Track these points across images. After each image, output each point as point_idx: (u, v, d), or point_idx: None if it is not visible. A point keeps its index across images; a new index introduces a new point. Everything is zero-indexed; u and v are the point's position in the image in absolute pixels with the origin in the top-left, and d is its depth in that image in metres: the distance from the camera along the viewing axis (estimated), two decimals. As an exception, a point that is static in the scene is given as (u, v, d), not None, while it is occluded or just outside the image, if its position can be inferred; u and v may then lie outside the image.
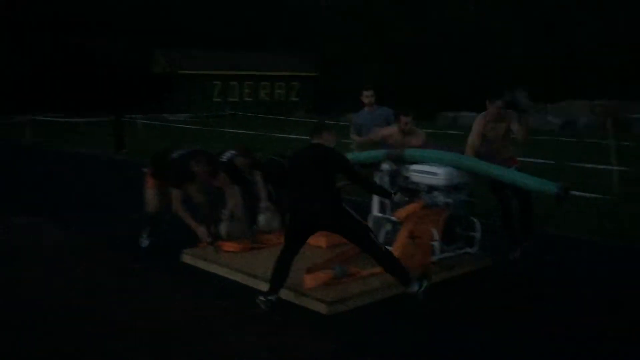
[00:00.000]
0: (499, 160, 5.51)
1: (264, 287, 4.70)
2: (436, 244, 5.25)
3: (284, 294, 4.55)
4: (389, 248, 5.23)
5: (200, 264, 5.47)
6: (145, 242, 6.06)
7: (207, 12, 38.12)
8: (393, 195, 4.97)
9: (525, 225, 5.77)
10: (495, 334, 4.07)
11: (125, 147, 15.61)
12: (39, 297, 4.78)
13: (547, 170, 9.26)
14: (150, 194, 6.08)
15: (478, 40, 35.64)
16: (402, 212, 5.29)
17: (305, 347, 3.85)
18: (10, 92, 29.00)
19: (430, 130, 11.15)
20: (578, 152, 14.17)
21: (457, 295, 4.84)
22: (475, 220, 5.54)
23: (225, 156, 6.31)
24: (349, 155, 6.58)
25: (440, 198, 5.30)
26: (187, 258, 5.63)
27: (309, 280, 4.61)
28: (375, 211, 5.73)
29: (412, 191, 5.39)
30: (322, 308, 4.36)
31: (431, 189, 5.33)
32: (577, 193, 8.61)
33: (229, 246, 5.60)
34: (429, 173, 5.27)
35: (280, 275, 4.47)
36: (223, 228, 5.88)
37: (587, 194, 8.59)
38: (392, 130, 6.39)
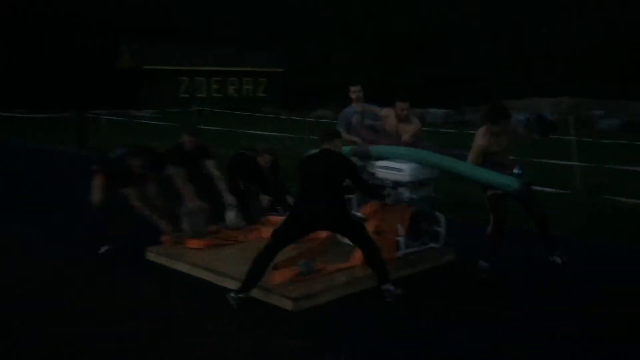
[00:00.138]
0: (504, 169, 5.21)
1: (230, 284, 4.67)
2: (401, 239, 5.28)
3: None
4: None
5: (165, 262, 5.40)
6: (103, 248, 5.68)
7: (174, 7, 37.64)
8: (386, 197, 5.08)
9: (546, 241, 5.32)
10: (460, 328, 4.11)
11: (89, 143, 15.34)
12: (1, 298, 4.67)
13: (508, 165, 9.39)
14: (96, 189, 5.71)
15: (445, 37, 36.01)
16: (367, 209, 5.32)
17: (272, 344, 3.84)
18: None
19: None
20: (540, 148, 14.42)
21: (423, 290, 4.88)
22: (440, 215, 5.60)
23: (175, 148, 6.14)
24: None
25: (406, 194, 5.34)
26: (151, 256, 5.55)
27: (276, 277, 4.59)
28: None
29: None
30: (288, 304, 4.35)
31: (396, 185, 5.35)
32: (540, 188, 8.76)
33: (194, 243, 5.54)
34: (394, 169, 5.29)
35: (258, 272, 4.43)
36: (184, 223, 5.80)
37: (550, 189, 8.76)
38: (389, 112, 6.19)
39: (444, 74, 34.27)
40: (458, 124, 23.48)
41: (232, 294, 4.35)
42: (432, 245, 5.57)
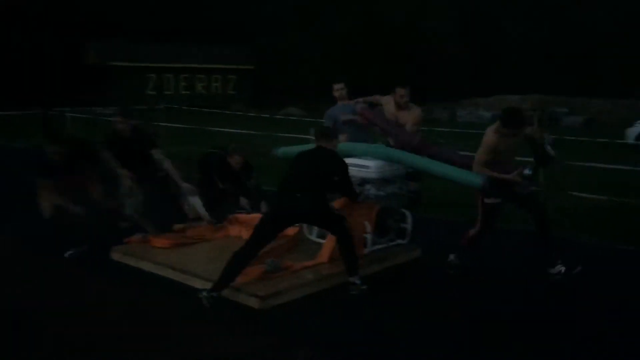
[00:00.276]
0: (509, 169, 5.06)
1: (197, 283, 4.64)
2: (368, 236, 5.32)
3: (216, 289, 4.50)
4: (322, 241, 5.31)
5: (130, 261, 5.33)
6: (68, 252, 5.52)
7: (142, 3, 37.07)
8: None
9: (547, 244, 5.13)
10: (426, 323, 4.16)
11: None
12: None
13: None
14: (41, 198, 5.50)
15: (413, 35, 36.26)
16: (334, 205, 5.34)
17: (240, 342, 3.83)
18: None
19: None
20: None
21: (389, 286, 4.93)
22: (406, 212, 5.66)
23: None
24: (284, 149, 6.60)
25: (372, 191, 5.37)
26: (116, 255, 5.48)
27: (242, 276, 4.57)
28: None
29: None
30: (254, 303, 4.35)
31: (363, 182, 5.38)
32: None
33: (160, 242, 5.49)
34: (361, 166, 5.32)
35: (235, 270, 4.41)
36: (128, 210, 5.72)
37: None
38: (388, 99, 6.07)
39: (412, 71, 34.52)
40: (426, 122, 23.64)
41: (205, 293, 4.32)
42: (399, 241, 5.63)
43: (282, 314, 4.29)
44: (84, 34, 33.15)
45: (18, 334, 3.97)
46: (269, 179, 8.23)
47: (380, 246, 5.46)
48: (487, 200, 5.04)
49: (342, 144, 5.76)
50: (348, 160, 5.46)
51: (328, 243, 5.13)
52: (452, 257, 5.27)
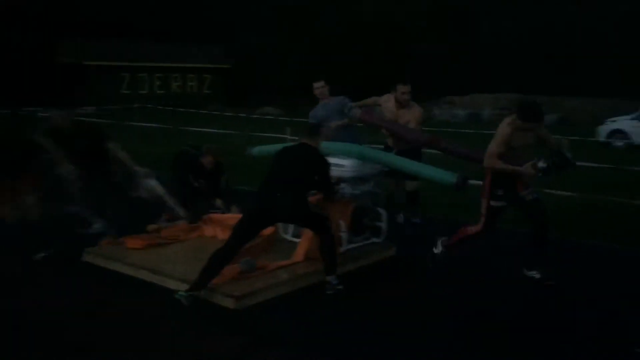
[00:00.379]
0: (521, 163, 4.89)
1: (172, 284, 4.60)
2: (344, 235, 5.33)
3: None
4: (298, 240, 5.30)
5: (103, 263, 5.26)
6: (39, 255, 5.37)
7: (117, 1, 36.64)
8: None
9: (537, 250, 5.02)
10: (401, 321, 4.18)
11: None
12: None
13: (449, 160, 9.60)
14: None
15: (388, 33, 36.42)
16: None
17: (216, 343, 3.81)
18: None
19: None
20: (480, 142, 14.81)
21: (364, 285, 4.94)
22: (381, 210, 5.68)
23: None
24: (259, 149, 6.59)
25: (347, 189, 5.38)
26: (88, 257, 5.40)
27: (217, 276, 4.54)
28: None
29: None
30: (229, 303, 4.32)
31: (338, 180, 5.38)
32: (478, 182, 8.99)
33: (133, 243, 5.43)
34: (336, 165, 5.32)
35: (214, 270, 4.38)
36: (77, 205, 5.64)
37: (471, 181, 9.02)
38: (388, 97, 5.94)
39: (387, 70, 34.67)
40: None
41: (183, 293, 4.28)
42: (374, 240, 5.65)
43: (257, 314, 4.28)
44: (57, 33, 32.67)
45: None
46: (245, 178, 8.21)
47: (355, 245, 5.47)
48: (492, 203, 4.83)
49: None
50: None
51: (303, 242, 5.13)
52: (437, 250, 5.16)
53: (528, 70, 34.35)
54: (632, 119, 16.95)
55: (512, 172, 4.67)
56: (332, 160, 5.35)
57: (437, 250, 5.17)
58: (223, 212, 6.16)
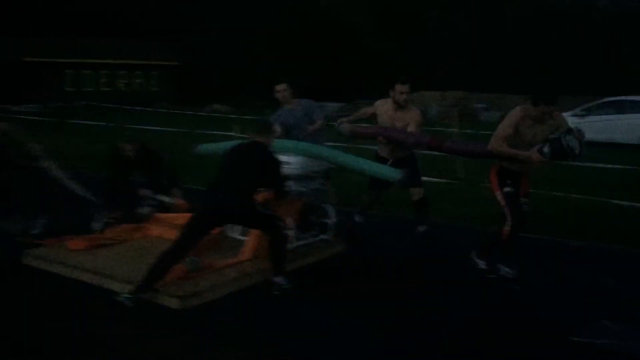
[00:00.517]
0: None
1: (115, 286, 4.49)
2: (291, 232, 5.33)
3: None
4: (245, 238, 5.27)
5: (43, 265, 5.09)
6: None
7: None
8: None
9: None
10: (349, 318, 4.20)
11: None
12: None
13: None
14: None
15: (338, 31, 36.61)
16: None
17: (160, 344, 3.74)
18: None
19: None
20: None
21: (312, 281, 4.95)
22: (329, 207, 5.71)
23: None
24: (205, 146, 6.51)
25: (295, 187, 5.38)
26: (28, 259, 5.21)
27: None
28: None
29: None
30: (174, 303, 4.25)
31: (285, 178, 5.37)
32: (426, 179, 9.15)
33: (76, 244, 5.28)
34: (283, 162, 5.30)
35: (162, 270, 4.30)
36: None
37: (436, 180, 9.20)
38: (382, 102, 5.69)
39: (338, 68, 34.87)
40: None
41: (127, 295, 4.19)
42: (322, 237, 5.67)
43: (203, 314, 4.23)
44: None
45: None
46: (191, 176, 8.11)
47: (303, 242, 5.48)
48: (506, 190, 4.67)
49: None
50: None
51: (251, 240, 5.10)
52: (501, 269, 4.84)
53: (475, 68, 35.16)
54: (572, 115, 17.56)
55: (516, 157, 4.48)
56: (279, 157, 5.35)
57: (502, 268, 4.83)
58: (154, 202, 6.00)
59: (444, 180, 9.34)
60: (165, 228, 5.53)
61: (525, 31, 37.81)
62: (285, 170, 5.29)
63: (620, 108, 16.14)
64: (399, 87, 5.51)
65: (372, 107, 5.88)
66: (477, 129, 15.84)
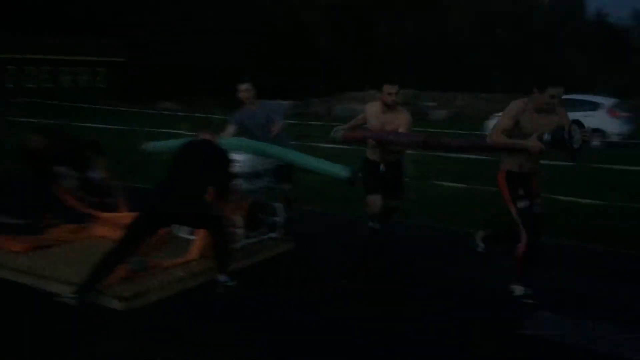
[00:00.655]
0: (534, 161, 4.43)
1: (58, 288, 4.36)
2: (240, 230, 5.29)
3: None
4: (192, 237, 5.20)
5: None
6: None
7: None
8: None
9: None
10: (297, 315, 4.20)
11: None
12: None
13: (343, 155, 9.80)
14: None
15: (290, 29, 36.53)
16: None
17: (103, 347, 3.65)
18: None
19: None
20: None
21: (261, 280, 4.93)
22: (278, 205, 5.69)
23: None
24: (154, 144, 6.40)
25: (243, 185, 5.34)
26: (-37, 263, 5.00)
27: (104, 276, 4.36)
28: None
29: None
30: (117, 305, 4.16)
31: (234, 176, 5.33)
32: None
33: (15, 246, 5.08)
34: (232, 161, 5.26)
35: (106, 270, 4.19)
36: None
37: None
38: (371, 105, 5.46)
39: (289, 66, 34.80)
40: (301, 115, 23.94)
41: (70, 295, 4.08)
42: (271, 235, 5.65)
43: (148, 315, 4.14)
44: None
45: None
46: (140, 175, 7.95)
47: (252, 240, 5.45)
48: (520, 205, 4.38)
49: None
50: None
51: (199, 239, 5.03)
52: (517, 290, 4.51)
53: (423, 67, 35.71)
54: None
55: (516, 147, 4.26)
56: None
57: (518, 292, 4.52)
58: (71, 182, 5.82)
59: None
60: (110, 228, 5.39)
61: (471, 32, 38.66)
62: (234, 168, 5.25)
63: (571, 106, 16.68)
64: (387, 88, 5.24)
65: (365, 109, 5.59)
66: (426, 127, 16.10)
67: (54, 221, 5.68)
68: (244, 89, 5.85)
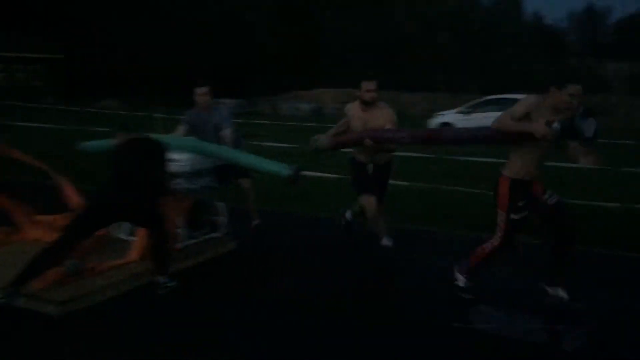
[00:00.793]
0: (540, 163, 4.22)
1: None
2: (181, 231, 5.21)
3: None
4: (132, 238, 5.09)
5: None
6: None
7: None
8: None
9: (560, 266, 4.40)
10: (240, 316, 4.17)
11: None
12: None
13: (288, 153, 9.85)
14: None
15: (235, 27, 36.20)
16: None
17: (38, 354, 3.53)
18: None
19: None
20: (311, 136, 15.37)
21: (203, 280, 4.87)
22: (220, 204, 5.64)
23: None
24: (91, 144, 6.23)
25: (184, 184, 5.26)
26: None
27: (37, 280, 4.20)
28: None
29: None
30: (52, 309, 4.02)
31: (174, 176, 5.24)
32: (316, 174, 9.30)
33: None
34: (171, 160, 5.17)
35: (40, 268, 4.06)
36: None
37: (327, 175, 9.34)
38: (349, 107, 5.27)
39: (235, 64, 34.50)
40: (247, 114, 23.84)
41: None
42: (213, 235, 5.59)
43: (86, 319, 4.03)
44: None
45: None
46: (78, 175, 7.73)
47: (193, 240, 5.38)
48: (513, 216, 4.19)
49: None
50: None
51: (138, 240, 4.93)
52: (461, 283, 4.48)
53: (369, 66, 36.02)
54: (458, 112, 18.52)
55: (521, 130, 3.98)
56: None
57: (461, 282, 4.50)
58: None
59: (332, 176, 9.49)
60: (44, 230, 5.22)
61: (417, 31, 39.31)
62: (174, 167, 5.17)
63: (500, 105, 17.17)
64: (365, 85, 5.07)
65: (346, 111, 5.39)
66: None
67: None
68: (202, 93, 5.70)
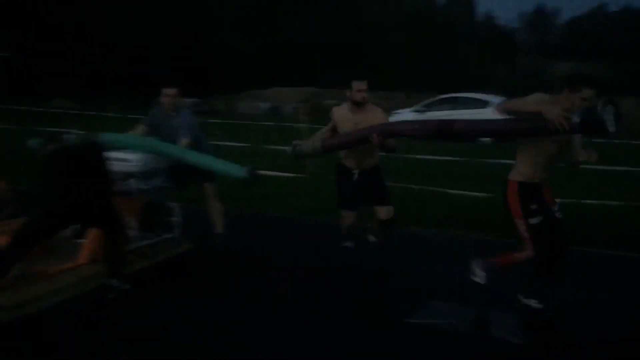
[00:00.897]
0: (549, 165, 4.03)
1: None
2: (133, 232, 5.12)
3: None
4: (81, 241, 4.97)
5: None
6: None
7: None
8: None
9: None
10: (197, 318, 4.12)
11: None
12: None
13: (243, 152, 9.79)
14: None
15: (192, 25, 35.78)
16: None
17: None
18: None
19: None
20: (275, 135, 15.38)
21: (157, 282, 4.80)
22: (174, 205, 5.56)
23: None
24: (36, 142, 6.04)
25: (136, 185, 5.16)
26: None
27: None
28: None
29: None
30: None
31: (126, 176, 5.14)
32: (274, 173, 9.28)
33: None
34: (122, 160, 5.07)
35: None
36: None
37: (284, 174, 9.33)
38: (336, 109, 5.12)
39: (191, 63, 34.10)
40: (204, 113, 23.60)
41: None
42: (167, 236, 5.51)
43: (34, 324, 3.91)
44: None
45: None
46: (27, 177, 7.53)
47: (146, 242, 5.28)
48: (532, 221, 3.97)
49: (103, 134, 5.44)
50: (108, 154, 5.17)
51: (89, 243, 4.81)
52: (480, 280, 4.24)
53: (324, 65, 36.17)
54: (413, 111, 18.75)
55: (538, 113, 3.68)
56: (117, 155, 5.11)
57: (480, 279, 4.24)
58: None
59: (291, 175, 9.48)
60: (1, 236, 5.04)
61: (373, 30, 39.63)
62: (126, 167, 5.07)
63: (455, 104, 17.50)
64: (356, 85, 4.89)
65: (332, 113, 5.19)
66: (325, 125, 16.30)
67: None
68: (171, 94, 5.44)
